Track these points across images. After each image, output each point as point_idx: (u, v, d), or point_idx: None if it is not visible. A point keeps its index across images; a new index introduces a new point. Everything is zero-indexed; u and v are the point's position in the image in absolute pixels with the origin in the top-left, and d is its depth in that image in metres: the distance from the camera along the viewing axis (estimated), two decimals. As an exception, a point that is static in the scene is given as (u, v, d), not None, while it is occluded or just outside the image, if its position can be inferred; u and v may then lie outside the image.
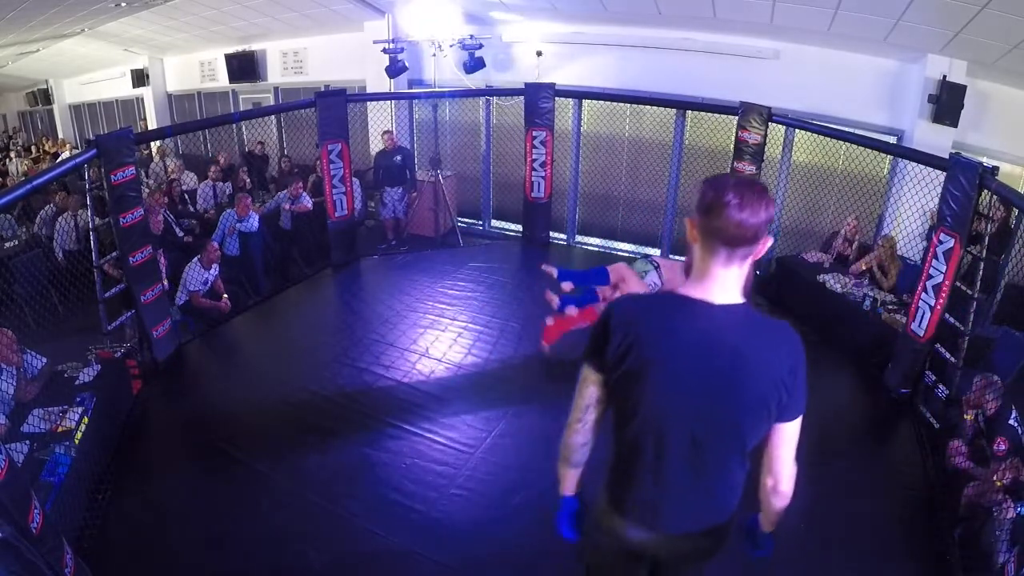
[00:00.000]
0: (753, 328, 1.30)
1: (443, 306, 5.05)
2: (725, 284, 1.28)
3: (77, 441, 2.91)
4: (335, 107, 5.56)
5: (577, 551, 1.72)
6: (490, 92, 7.08)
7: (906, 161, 4.61)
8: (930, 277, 3.67)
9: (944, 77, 5.18)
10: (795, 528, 2.56)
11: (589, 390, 1.42)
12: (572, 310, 3.93)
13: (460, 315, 4.89)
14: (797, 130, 5.50)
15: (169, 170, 8.06)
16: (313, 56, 8.83)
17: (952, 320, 3.60)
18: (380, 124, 7.24)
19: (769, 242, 1.28)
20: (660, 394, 1.30)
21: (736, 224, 1.20)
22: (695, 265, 1.31)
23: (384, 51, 7.08)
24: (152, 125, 10.41)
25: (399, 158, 6.74)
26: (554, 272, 4.09)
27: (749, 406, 1.30)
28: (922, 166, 4.20)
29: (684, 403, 1.30)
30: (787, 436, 1.37)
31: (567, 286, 4.08)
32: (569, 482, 1.59)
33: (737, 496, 1.46)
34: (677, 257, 6.49)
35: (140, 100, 11.12)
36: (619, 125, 6.68)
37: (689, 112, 6.06)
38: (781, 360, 1.29)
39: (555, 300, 4.03)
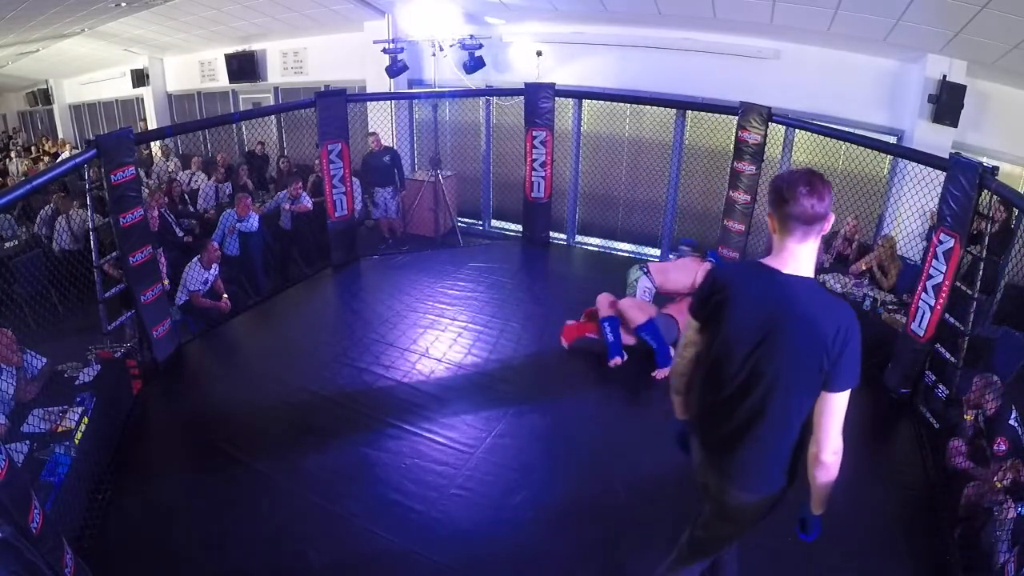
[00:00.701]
0: (810, 296, 1.57)
1: (443, 306, 5.05)
2: (799, 258, 1.59)
3: (77, 441, 2.91)
4: (335, 107, 5.56)
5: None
6: (490, 92, 7.08)
7: (906, 161, 4.61)
8: (930, 277, 3.67)
9: (944, 77, 5.18)
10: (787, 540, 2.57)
11: (689, 332, 1.81)
12: (617, 360, 4.07)
13: (460, 315, 4.89)
14: (797, 130, 5.50)
15: (172, 166, 8.08)
16: (313, 56, 8.83)
17: (952, 320, 3.60)
18: (380, 124, 7.25)
19: (832, 219, 1.58)
20: (729, 332, 1.63)
21: (810, 206, 1.52)
22: (774, 245, 1.63)
23: (384, 51, 7.08)
24: (152, 125, 10.41)
25: (387, 158, 6.77)
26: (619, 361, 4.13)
27: (792, 357, 1.56)
28: (922, 166, 4.19)
29: (745, 343, 1.61)
30: (833, 406, 1.57)
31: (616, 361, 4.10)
32: (678, 408, 1.96)
33: (779, 473, 1.70)
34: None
35: (140, 100, 11.13)
36: (619, 125, 6.68)
37: (689, 112, 6.06)
38: (828, 327, 1.52)
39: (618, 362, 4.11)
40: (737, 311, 1.61)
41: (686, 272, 4.18)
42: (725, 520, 1.84)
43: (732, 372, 1.64)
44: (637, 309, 4.08)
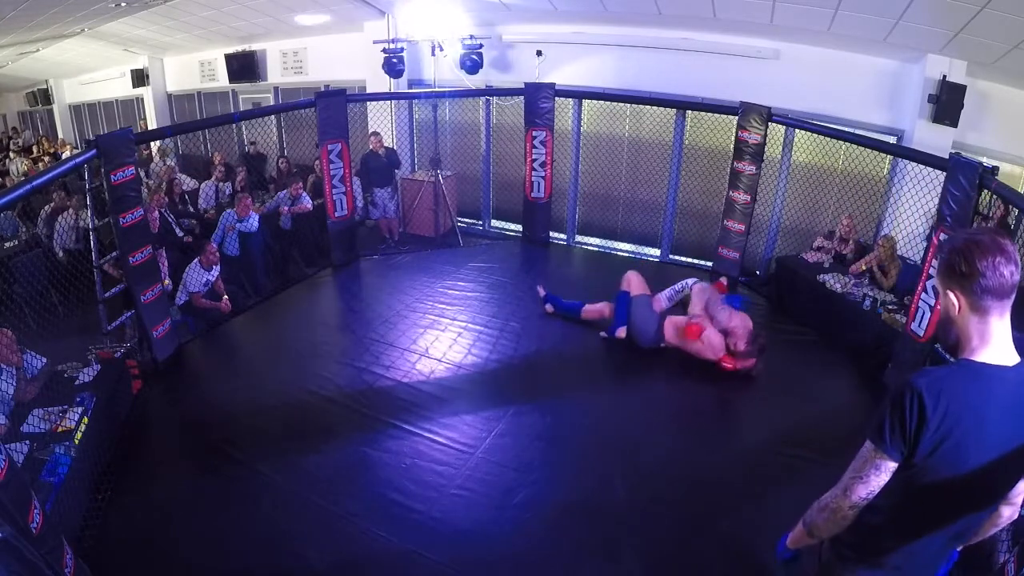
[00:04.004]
0: None
1: (443, 306, 5.05)
2: (1005, 339, 1.31)
3: (77, 441, 2.91)
4: (335, 107, 5.56)
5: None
6: (490, 92, 7.08)
7: (906, 161, 4.61)
8: (930, 277, 3.67)
9: (944, 77, 5.18)
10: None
11: (880, 478, 1.37)
12: (548, 308, 4.93)
13: (460, 315, 4.89)
14: (797, 130, 5.51)
15: (170, 164, 8.05)
16: (313, 56, 8.82)
17: (952, 320, 3.58)
18: (380, 124, 7.25)
19: None
20: (970, 458, 1.30)
21: (1010, 275, 1.25)
22: (973, 331, 1.31)
23: (384, 51, 7.08)
24: (152, 125, 10.40)
25: (386, 158, 6.78)
26: (541, 292, 5.06)
27: None
28: (922, 166, 4.20)
29: (990, 461, 1.31)
30: None
31: (548, 308, 4.92)
32: (801, 542, 1.65)
33: None
34: (677, 257, 6.52)
35: (140, 100, 11.12)
36: (619, 125, 6.68)
37: (689, 112, 6.06)
38: None
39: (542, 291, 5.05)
40: (977, 435, 1.29)
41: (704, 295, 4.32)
42: None
43: (968, 489, 1.35)
44: (630, 283, 4.46)
